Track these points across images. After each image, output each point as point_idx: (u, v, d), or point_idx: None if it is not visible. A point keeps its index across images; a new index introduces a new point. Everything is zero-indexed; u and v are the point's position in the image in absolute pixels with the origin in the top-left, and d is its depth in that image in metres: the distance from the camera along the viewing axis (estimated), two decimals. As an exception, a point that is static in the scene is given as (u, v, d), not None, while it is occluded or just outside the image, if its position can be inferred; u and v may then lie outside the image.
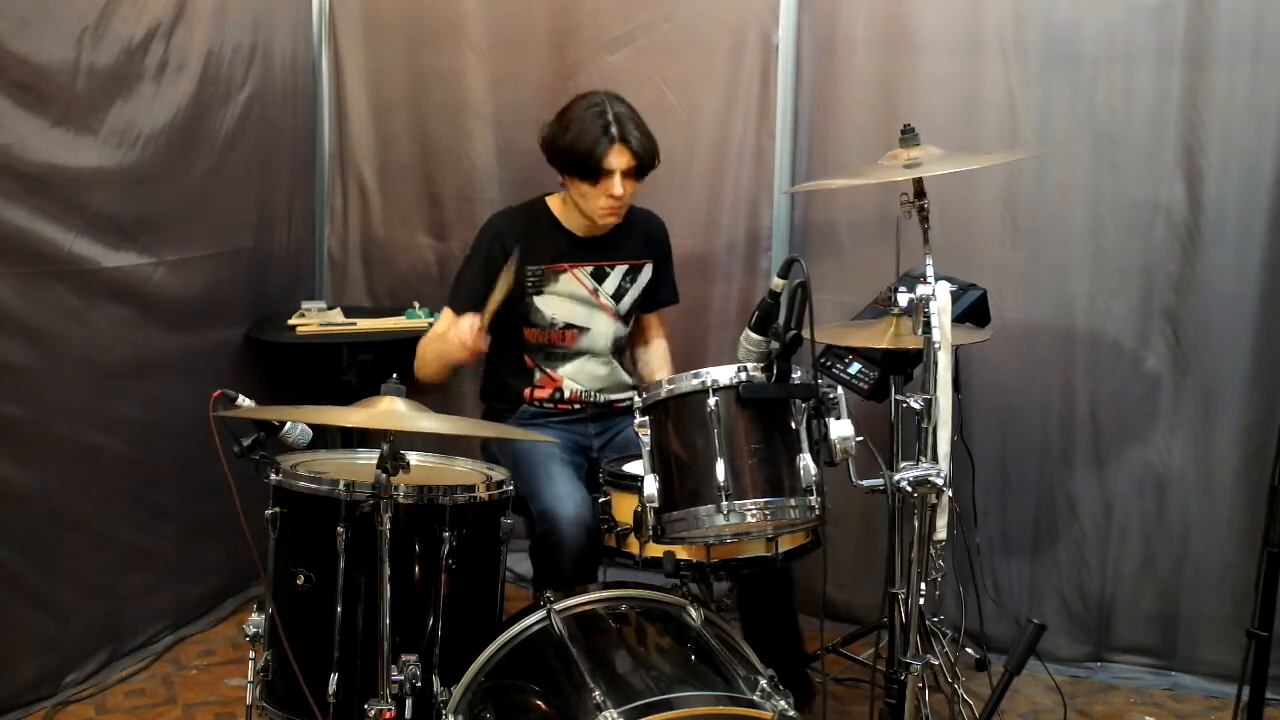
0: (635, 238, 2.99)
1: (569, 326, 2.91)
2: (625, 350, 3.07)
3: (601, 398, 2.96)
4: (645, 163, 2.78)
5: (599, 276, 2.93)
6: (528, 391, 2.94)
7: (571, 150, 2.76)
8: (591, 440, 2.93)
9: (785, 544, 2.40)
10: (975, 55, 3.16)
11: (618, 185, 2.75)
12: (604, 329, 2.95)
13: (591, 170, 2.74)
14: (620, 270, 2.96)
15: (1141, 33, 3.02)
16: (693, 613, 2.28)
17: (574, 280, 2.91)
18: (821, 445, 2.12)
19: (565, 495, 2.59)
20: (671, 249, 3.09)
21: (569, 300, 2.90)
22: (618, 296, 2.96)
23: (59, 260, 2.83)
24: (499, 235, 2.89)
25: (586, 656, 2.10)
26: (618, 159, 2.74)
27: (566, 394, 2.93)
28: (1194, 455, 3.12)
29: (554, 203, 2.96)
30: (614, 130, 2.73)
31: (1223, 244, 3.02)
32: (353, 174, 3.91)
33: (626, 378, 3.03)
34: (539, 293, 2.88)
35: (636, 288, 2.99)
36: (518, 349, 2.94)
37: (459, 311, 2.86)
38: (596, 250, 2.94)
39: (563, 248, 2.91)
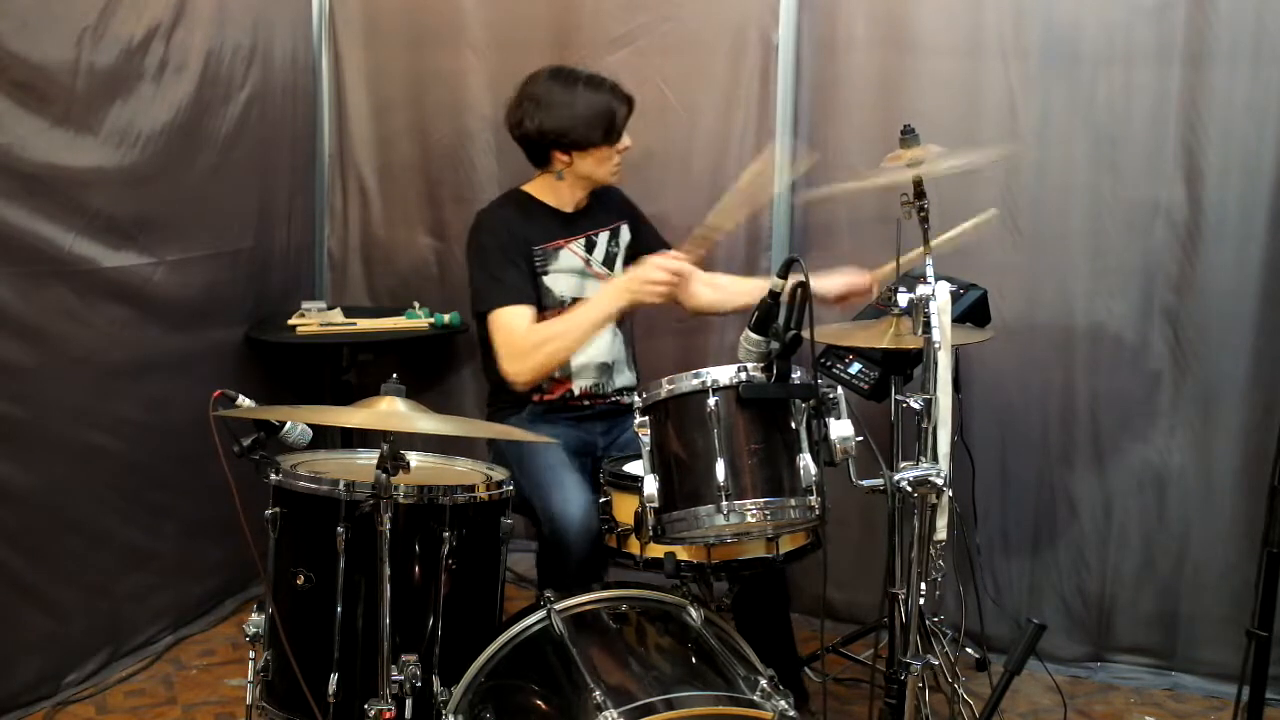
0: (604, 205, 3.06)
1: (575, 300, 2.92)
2: (628, 323, 3.07)
3: (610, 386, 2.96)
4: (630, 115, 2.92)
5: (589, 247, 2.98)
6: (536, 396, 2.92)
7: (592, 120, 2.83)
8: (598, 439, 2.93)
9: (786, 544, 2.40)
10: (975, 55, 3.16)
11: (627, 137, 2.89)
12: None
13: (614, 131, 2.85)
14: (604, 236, 3.01)
15: (1141, 33, 3.02)
16: (693, 613, 2.28)
17: (571, 254, 2.94)
18: (821, 445, 2.12)
19: (574, 499, 2.59)
20: (637, 206, 3.14)
21: (570, 274, 2.93)
22: (609, 262, 3.00)
23: (59, 260, 2.83)
24: (503, 221, 2.90)
25: (586, 657, 2.10)
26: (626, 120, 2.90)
27: (576, 392, 2.93)
28: (1194, 455, 3.12)
29: (533, 188, 2.99)
30: (613, 87, 2.87)
31: (1223, 244, 3.02)
32: (353, 174, 3.91)
33: (627, 354, 3.03)
34: (545, 272, 2.90)
35: (623, 249, 3.04)
36: None
37: (516, 300, 2.77)
38: (582, 223, 2.99)
39: (555, 226, 2.95)
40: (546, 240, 2.91)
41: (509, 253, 2.84)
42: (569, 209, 2.97)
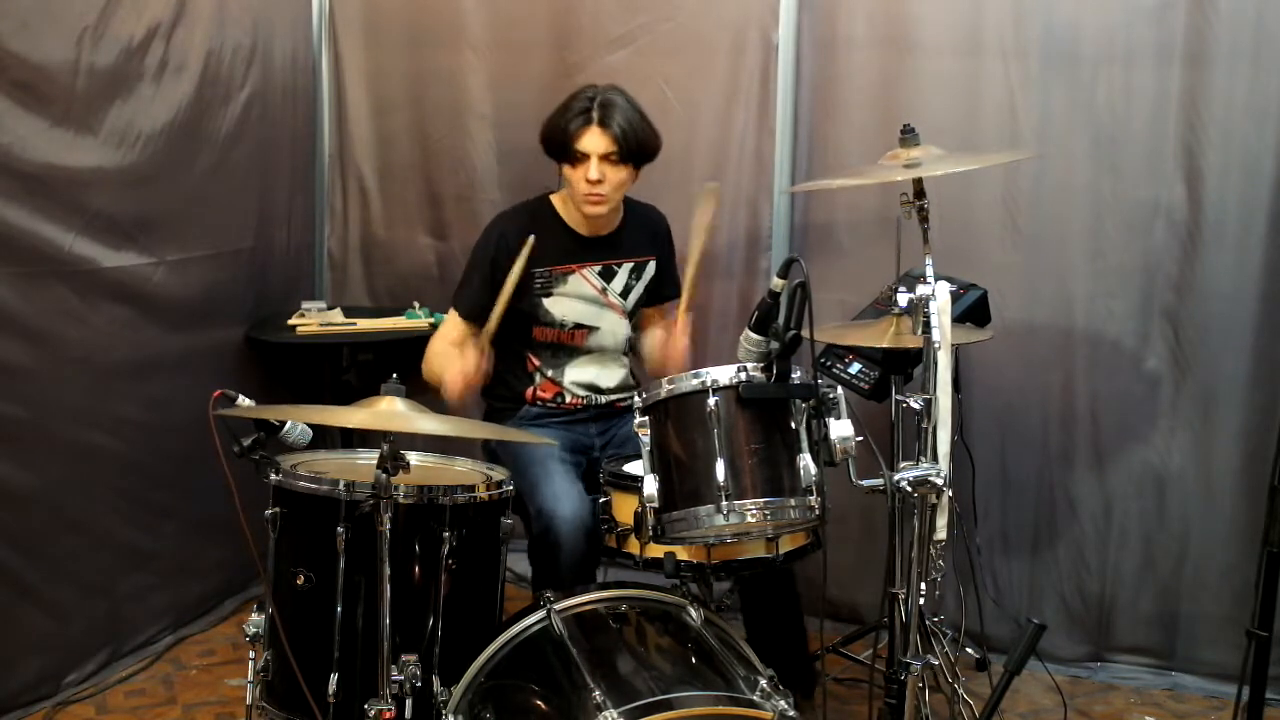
0: (641, 234, 3.00)
1: (579, 326, 2.90)
2: (639, 346, 3.07)
3: (603, 399, 2.95)
4: (626, 149, 2.74)
5: (607, 275, 2.93)
6: (529, 392, 2.94)
7: (551, 131, 2.79)
8: (593, 440, 2.93)
9: (786, 544, 2.41)
10: (975, 55, 3.16)
11: (593, 169, 2.73)
12: (613, 327, 2.95)
13: (569, 153, 2.76)
14: (627, 268, 2.96)
15: (1141, 33, 3.02)
16: (693, 613, 2.28)
17: (582, 280, 2.90)
18: (821, 445, 2.12)
19: (563, 494, 2.59)
20: (673, 243, 3.10)
21: (578, 300, 2.90)
22: (625, 294, 2.96)
23: (59, 260, 2.82)
24: (504, 236, 2.87)
25: (586, 656, 2.10)
26: (594, 142, 2.73)
27: (568, 398, 2.93)
28: (1194, 455, 3.12)
29: (558, 201, 2.95)
30: (594, 114, 2.73)
31: (1223, 244, 3.02)
32: (353, 174, 3.91)
33: (633, 381, 3.02)
34: (547, 294, 2.87)
35: (642, 284, 2.99)
36: (524, 348, 2.94)
37: (462, 313, 2.88)
38: (603, 249, 2.93)
39: (570, 248, 2.90)
40: (556, 263, 2.87)
41: (494, 266, 2.83)
42: (586, 232, 2.91)
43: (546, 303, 2.87)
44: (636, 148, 2.76)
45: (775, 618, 2.77)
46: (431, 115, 3.78)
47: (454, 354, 2.77)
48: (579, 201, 2.82)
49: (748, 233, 3.46)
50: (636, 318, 3.04)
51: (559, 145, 2.77)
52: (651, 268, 3.01)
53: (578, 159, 2.75)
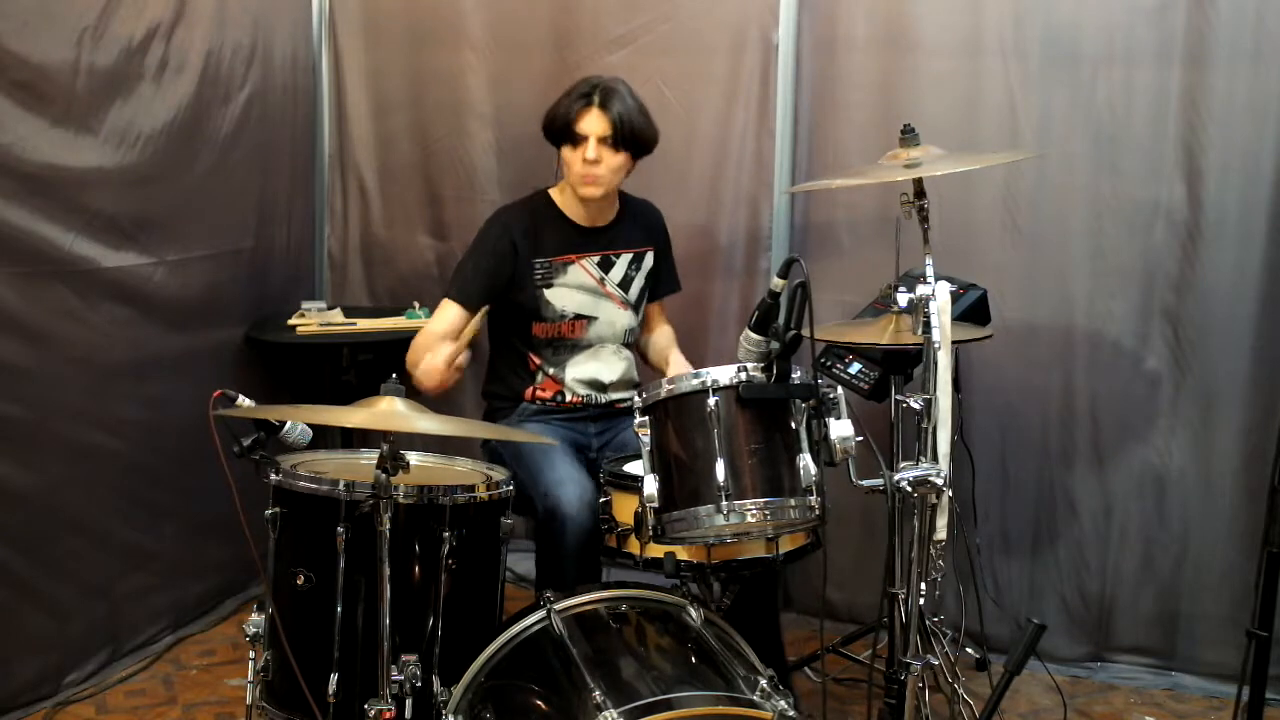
0: (636, 226, 3.02)
1: (578, 317, 2.91)
2: (639, 344, 3.08)
3: (604, 398, 2.95)
4: (622, 134, 2.78)
5: (605, 266, 2.95)
6: (529, 390, 2.94)
7: (553, 115, 2.84)
8: (591, 440, 2.93)
9: (785, 544, 2.41)
10: (975, 55, 3.16)
11: (591, 149, 2.77)
12: (612, 317, 2.95)
13: (569, 134, 2.80)
14: (625, 259, 2.97)
15: (1141, 33, 3.02)
16: (693, 613, 2.28)
17: (581, 270, 2.91)
18: (821, 445, 2.13)
19: (566, 477, 2.60)
20: (670, 237, 3.11)
21: (577, 291, 2.91)
22: (624, 285, 2.97)
23: (59, 260, 2.82)
24: (508, 227, 2.89)
25: (586, 656, 2.10)
26: (592, 124, 2.78)
27: (568, 397, 2.93)
28: (1194, 455, 3.12)
29: (556, 194, 2.97)
30: (595, 97, 2.79)
31: (1223, 244, 3.02)
32: (353, 174, 3.91)
33: (636, 375, 3.03)
34: (549, 285, 2.88)
35: (642, 275, 3.00)
36: (523, 347, 2.94)
37: (459, 299, 2.85)
38: (601, 239, 2.95)
39: (569, 239, 2.92)
40: (556, 253, 2.89)
41: (495, 257, 2.86)
42: (584, 222, 2.93)
43: (548, 294, 2.88)
44: (632, 135, 2.81)
45: (754, 624, 2.75)
46: (431, 115, 3.78)
47: (437, 347, 2.72)
48: (575, 183, 2.85)
49: (748, 233, 3.47)
50: (640, 314, 3.04)
51: (560, 127, 2.82)
52: (650, 259, 3.02)
53: (577, 140, 2.80)
